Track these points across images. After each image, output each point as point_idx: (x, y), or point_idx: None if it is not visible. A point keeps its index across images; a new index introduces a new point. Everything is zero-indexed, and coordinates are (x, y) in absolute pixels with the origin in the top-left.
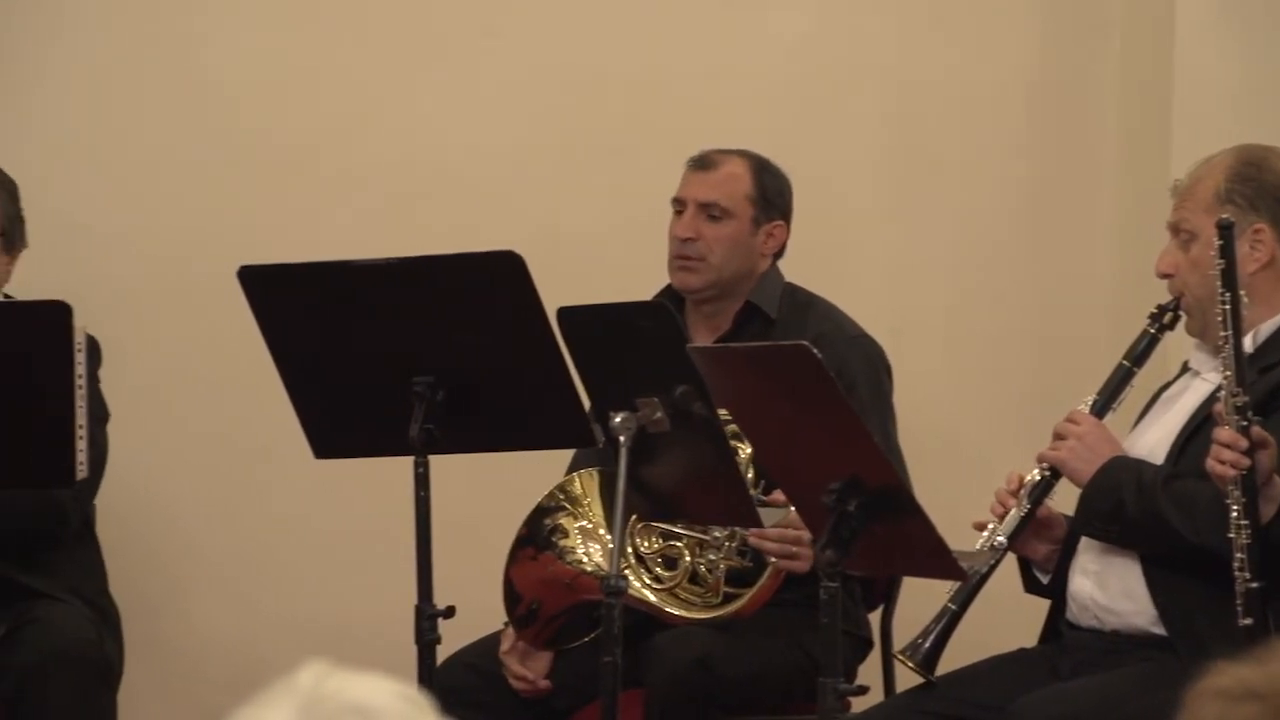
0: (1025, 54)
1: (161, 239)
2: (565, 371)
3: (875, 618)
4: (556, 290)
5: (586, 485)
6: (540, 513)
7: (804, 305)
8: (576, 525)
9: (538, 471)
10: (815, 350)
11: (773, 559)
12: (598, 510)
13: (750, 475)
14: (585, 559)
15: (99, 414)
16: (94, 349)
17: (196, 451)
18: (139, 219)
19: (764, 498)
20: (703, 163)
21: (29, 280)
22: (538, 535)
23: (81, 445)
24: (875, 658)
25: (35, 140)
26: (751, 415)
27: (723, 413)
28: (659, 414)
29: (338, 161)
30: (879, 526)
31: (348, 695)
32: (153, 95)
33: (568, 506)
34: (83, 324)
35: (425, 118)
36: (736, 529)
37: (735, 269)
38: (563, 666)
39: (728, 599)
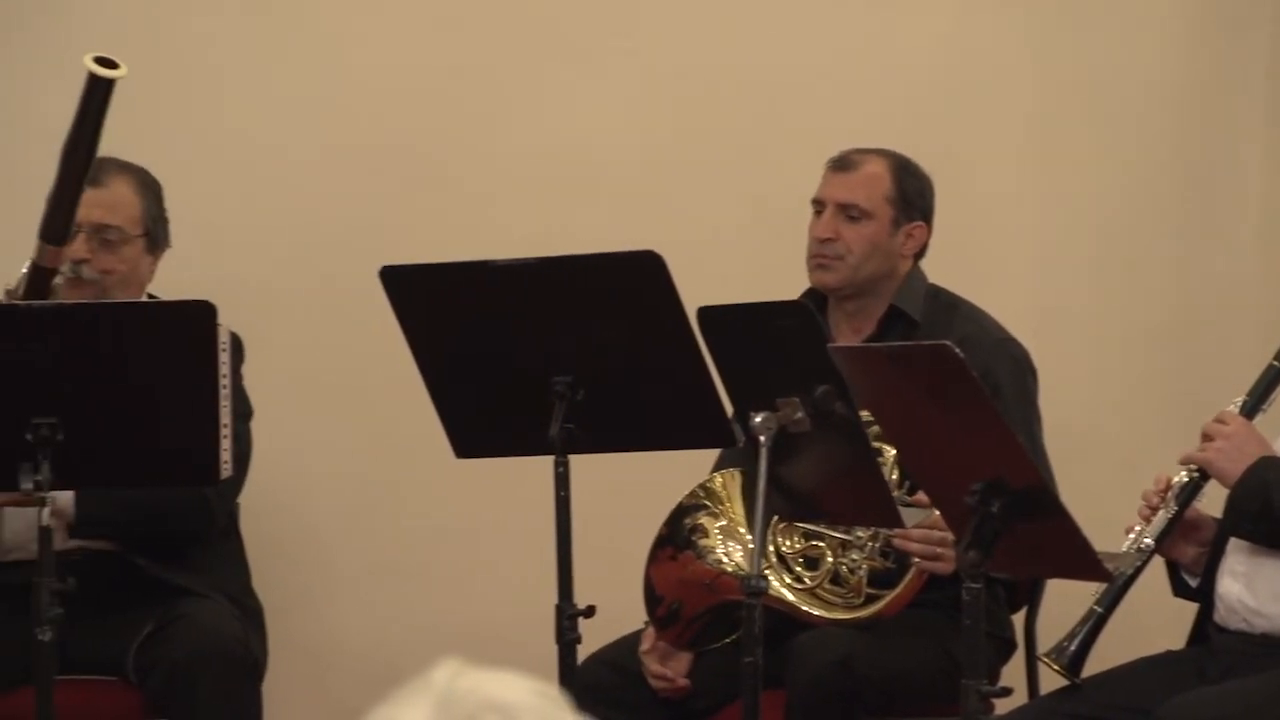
0: (1170, 50)
1: (304, 239)
2: (705, 371)
3: (1019, 619)
4: (697, 290)
5: (728, 484)
6: (681, 512)
7: (948, 307)
8: (717, 525)
9: (678, 471)
10: (957, 349)
11: (915, 559)
12: (739, 510)
13: (895, 476)
14: (725, 559)
15: (242, 411)
16: (237, 346)
17: (339, 451)
18: (282, 219)
19: (907, 498)
20: (843, 163)
21: (173, 280)
22: (678, 535)
23: (226, 444)
24: (1019, 659)
25: (181, 141)
26: (893, 415)
27: (865, 414)
28: (800, 414)
29: (478, 162)
30: (1023, 527)
31: (484, 691)
32: (295, 96)
33: (709, 505)
34: (226, 323)
35: (563, 118)
36: (879, 529)
37: (873, 269)
38: (703, 666)
39: (870, 600)
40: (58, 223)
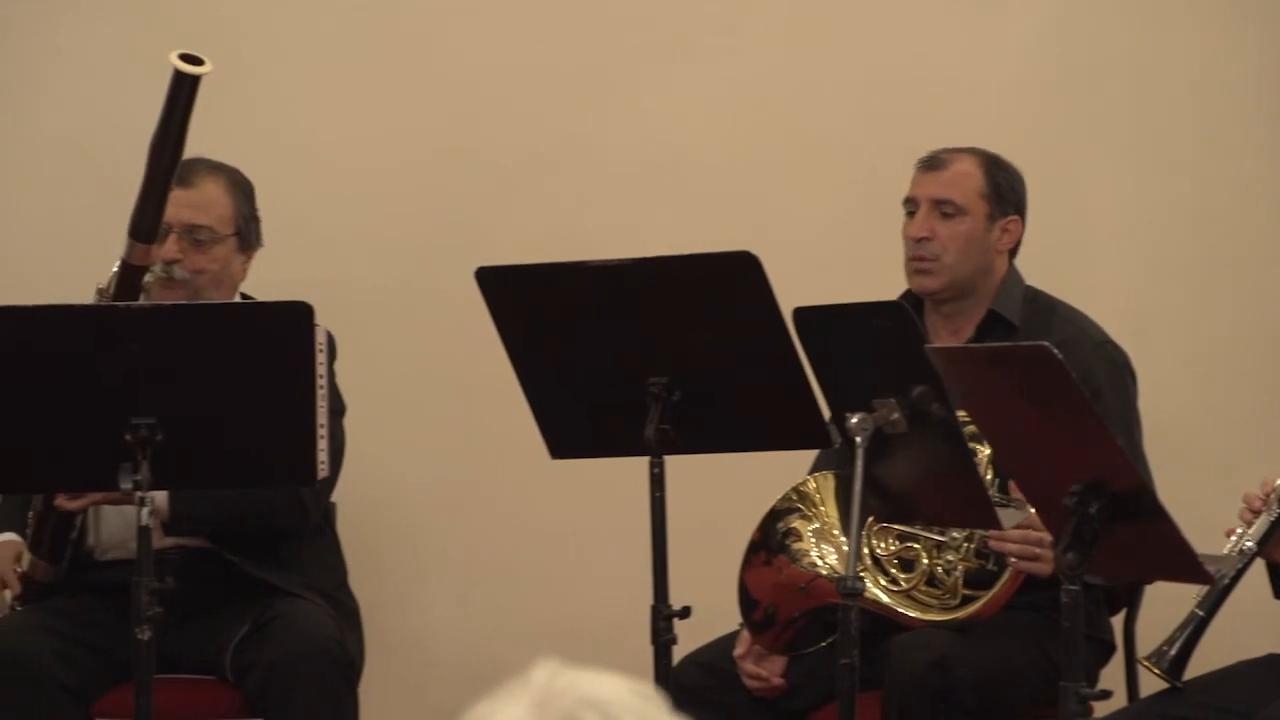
0: (1270, 52)
1: (400, 240)
2: (801, 372)
3: (1118, 621)
4: (792, 290)
5: (821, 487)
6: (774, 516)
7: (1047, 309)
8: (810, 528)
9: (773, 472)
10: (1055, 350)
11: (1012, 559)
12: (832, 512)
13: (989, 476)
14: (820, 562)
15: (335, 408)
16: (330, 344)
17: (435, 451)
18: (379, 219)
19: (1003, 497)
20: (933, 163)
21: (267, 280)
22: (771, 539)
23: (322, 445)
24: (1118, 661)
25: (278, 141)
26: (991, 416)
27: (961, 414)
28: (896, 415)
29: (575, 162)
30: (1122, 529)
31: (582, 689)
32: (392, 97)
33: (801, 508)
34: (323, 322)
35: (663, 117)
36: (975, 530)
37: (972, 267)
38: (799, 668)
39: (966, 601)
40: (146, 220)
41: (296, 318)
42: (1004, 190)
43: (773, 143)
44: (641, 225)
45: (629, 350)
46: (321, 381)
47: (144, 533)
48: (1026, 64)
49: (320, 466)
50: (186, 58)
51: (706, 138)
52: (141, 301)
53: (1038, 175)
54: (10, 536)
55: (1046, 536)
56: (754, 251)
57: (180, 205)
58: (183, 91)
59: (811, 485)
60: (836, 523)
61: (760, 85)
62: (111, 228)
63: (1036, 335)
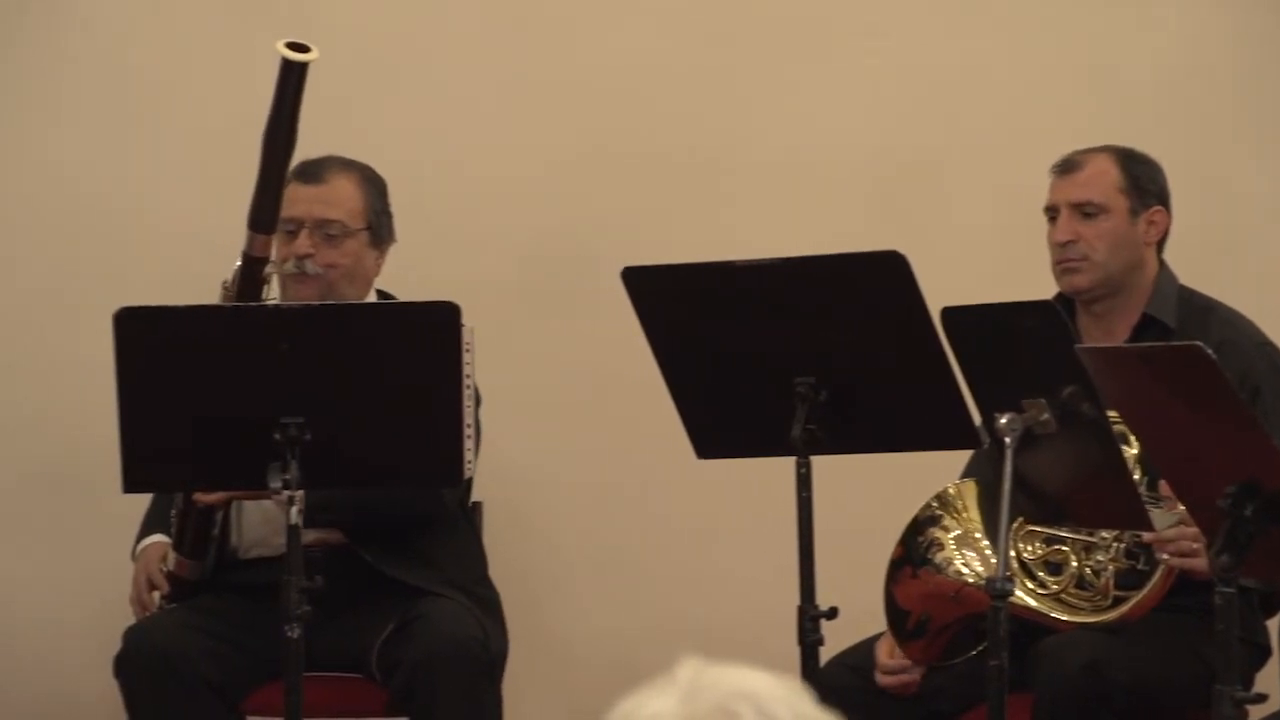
0: None
1: (545, 239)
2: (949, 372)
3: (1274, 624)
4: (940, 290)
5: (963, 493)
6: (915, 529)
7: (1203, 310)
8: (952, 535)
9: (921, 472)
10: (1209, 350)
11: (1164, 556)
12: (974, 517)
13: (1137, 475)
14: (965, 569)
15: (473, 398)
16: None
17: (579, 449)
18: (524, 219)
19: (1151, 495)
20: (1067, 165)
21: (411, 279)
22: (914, 553)
23: (469, 445)
24: (1274, 665)
25: (422, 141)
26: (1143, 416)
27: (1111, 414)
28: (1046, 415)
29: (721, 161)
30: (1278, 532)
31: (730, 681)
32: (537, 97)
33: (943, 516)
34: (471, 325)
35: (806, 117)
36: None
37: (1122, 263)
38: (947, 670)
39: (1117, 602)
40: (264, 211)
41: (445, 317)
42: (1143, 182)
43: (919, 142)
44: (788, 225)
45: (775, 350)
46: (469, 381)
47: (293, 531)
48: (1178, 62)
49: (468, 467)
50: (294, 46)
51: (854, 138)
52: (276, 298)
53: (1191, 176)
54: (158, 538)
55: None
56: (901, 251)
57: (311, 201)
58: (291, 79)
59: (953, 492)
60: (979, 527)
61: (906, 85)
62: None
63: (1193, 337)
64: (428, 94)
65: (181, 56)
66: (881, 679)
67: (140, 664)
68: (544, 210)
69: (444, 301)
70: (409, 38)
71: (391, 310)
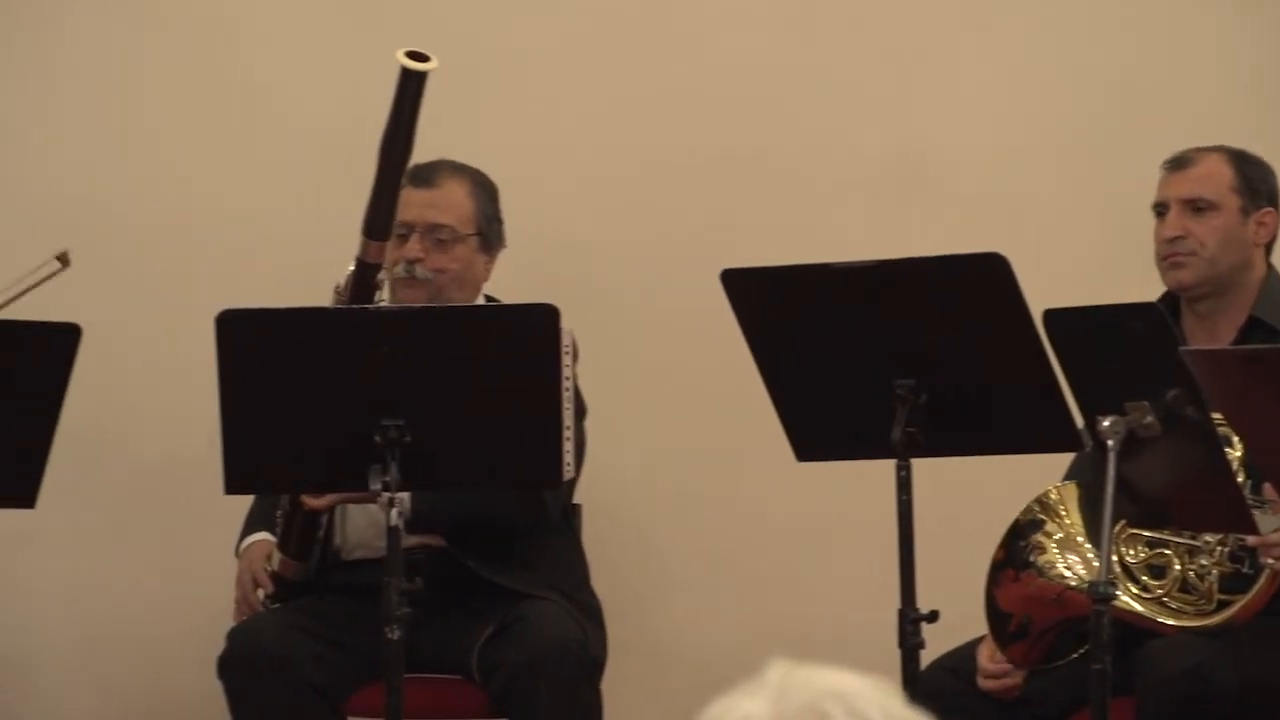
0: None
1: (644, 241)
2: (1051, 374)
3: None
4: (1042, 292)
5: (1064, 496)
6: (1016, 532)
7: None
8: (1054, 539)
9: (1023, 475)
10: None
11: (1269, 560)
12: (1076, 520)
13: (1240, 478)
14: (1067, 572)
15: (578, 409)
16: (572, 346)
17: (679, 451)
18: (623, 221)
19: (1256, 498)
20: (1179, 162)
21: (512, 281)
22: (1016, 557)
23: (568, 447)
24: None
25: (523, 143)
26: (1247, 419)
27: (1215, 416)
28: (1149, 418)
29: (821, 163)
30: None
31: (821, 681)
32: (638, 99)
33: (1044, 520)
34: (569, 327)
35: (912, 116)
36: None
37: (1230, 261)
38: (1049, 673)
39: (1221, 605)
40: (379, 218)
41: (543, 320)
42: (1255, 183)
43: (1022, 142)
44: (888, 226)
45: (875, 352)
46: (567, 383)
47: (393, 533)
48: (1268, 58)
49: (566, 468)
50: (414, 55)
51: (955, 138)
52: (386, 302)
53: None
54: (263, 536)
55: None
56: (1003, 253)
57: (422, 205)
58: (410, 88)
59: (1054, 495)
60: (1081, 530)
61: (1008, 85)
62: (351, 226)
63: None
64: (526, 98)
65: (289, 59)
66: (983, 683)
67: (244, 665)
68: (642, 214)
69: (542, 304)
70: (509, 43)
71: (491, 312)
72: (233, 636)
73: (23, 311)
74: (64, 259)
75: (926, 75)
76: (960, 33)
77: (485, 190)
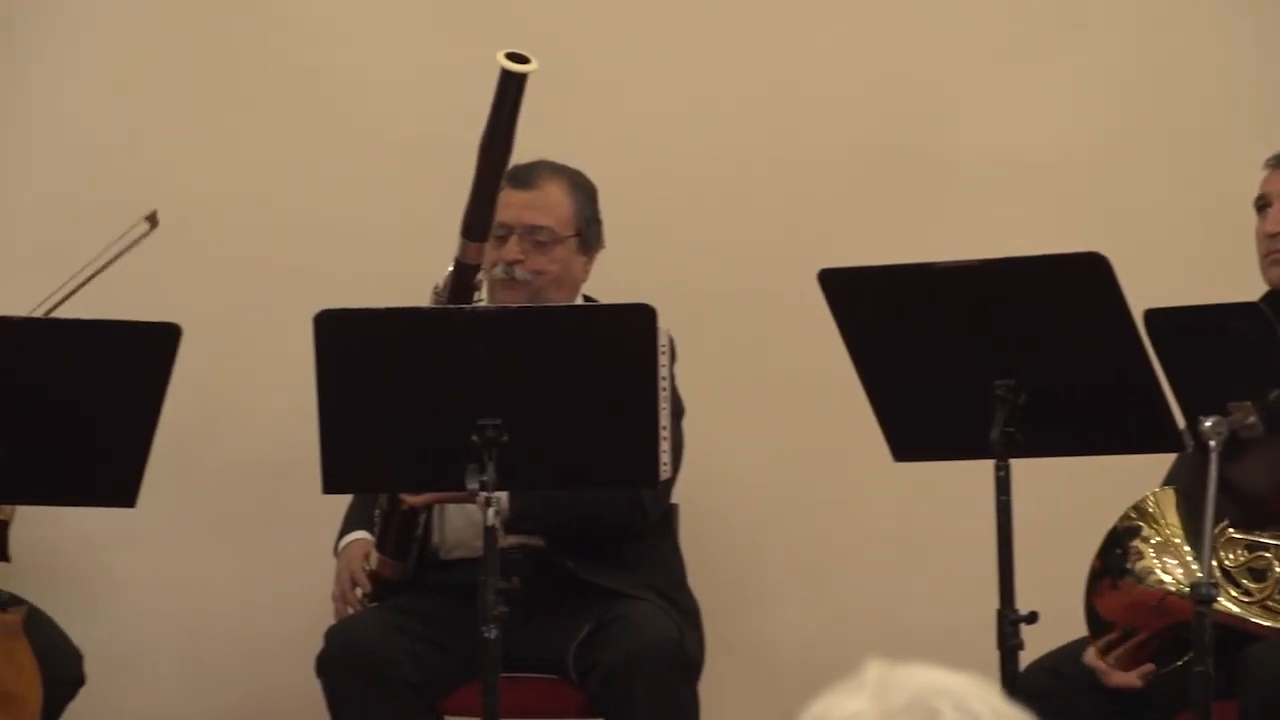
0: None
1: (742, 241)
2: (1152, 375)
3: None
4: (1143, 292)
5: (1160, 501)
6: (1113, 540)
7: None
8: (1151, 544)
9: (1123, 475)
10: None
11: None
12: (1174, 524)
13: None
14: (1166, 577)
15: (676, 409)
16: (672, 348)
17: (776, 452)
18: (721, 220)
19: None
20: None
21: (609, 281)
22: (1113, 565)
23: (665, 446)
24: None
25: (620, 143)
26: None
27: None
28: (1252, 418)
29: (918, 162)
30: None
31: (923, 678)
32: (736, 99)
33: (1141, 526)
34: (665, 325)
35: (1008, 113)
36: None
37: None
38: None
39: None
40: (478, 219)
41: (640, 320)
42: None
43: (1121, 141)
44: (987, 226)
45: (974, 352)
46: (664, 383)
47: (490, 533)
48: None
49: (663, 468)
50: (514, 56)
51: (1053, 137)
52: (484, 302)
53: None
54: (361, 534)
55: None
56: (1103, 252)
57: (521, 206)
58: (510, 90)
59: (1151, 501)
60: (1179, 534)
61: (1106, 84)
62: (455, 224)
63: None
64: (623, 97)
65: (388, 59)
66: (1108, 680)
67: (342, 664)
68: (741, 213)
69: (640, 304)
70: (606, 42)
71: (588, 312)
72: (331, 636)
73: (125, 295)
74: (153, 219)
75: (1025, 75)
76: (1059, 33)
77: (584, 191)
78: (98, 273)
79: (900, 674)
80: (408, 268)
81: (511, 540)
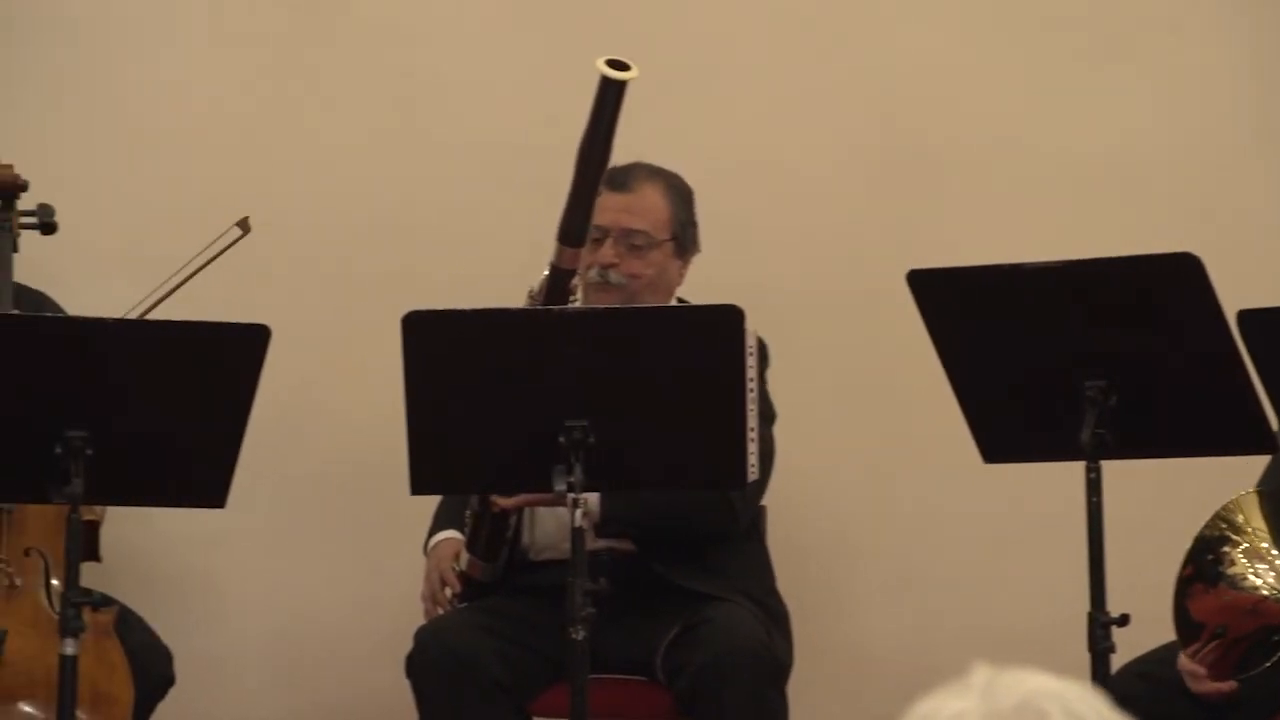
0: None
1: (832, 242)
2: (1245, 376)
3: None
4: (1236, 292)
5: (1244, 506)
6: (1203, 546)
7: None
8: (1240, 549)
9: (1215, 476)
10: None
11: None
12: (1261, 528)
13: None
14: (1258, 581)
15: (767, 414)
16: (763, 351)
17: (865, 453)
18: (809, 222)
19: None
20: None
21: (702, 283)
22: (1205, 571)
23: (752, 448)
24: None
25: (710, 144)
26: None
27: None
28: None
29: (1010, 162)
30: None
31: (1030, 683)
32: (822, 97)
33: (1230, 535)
34: (753, 327)
35: (1097, 114)
36: None
37: None
38: (1241, 681)
39: None
40: (575, 225)
41: (726, 321)
42: None
43: (1213, 140)
44: (1078, 226)
45: (1065, 353)
46: (752, 384)
47: (578, 534)
48: None
49: (750, 469)
50: (614, 64)
51: (1145, 136)
52: (575, 305)
53: None
54: (451, 534)
55: None
56: (1195, 252)
57: (618, 210)
58: (609, 97)
59: (1234, 506)
60: (1266, 537)
61: (1202, 81)
62: (544, 228)
63: None
64: (712, 99)
65: (479, 61)
66: (1197, 685)
67: (432, 664)
68: (829, 214)
69: (727, 304)
70: (696, 43)
71: (675, 313)
72: (421, 636)
73: (215, 297)
74: (244, 225)
75: (1116, 74)
76: (1150, 33)
77: (681, 195)
78: (189, 278)
79: (1009, 677)
80: (496, 269)
81: (601, 544)
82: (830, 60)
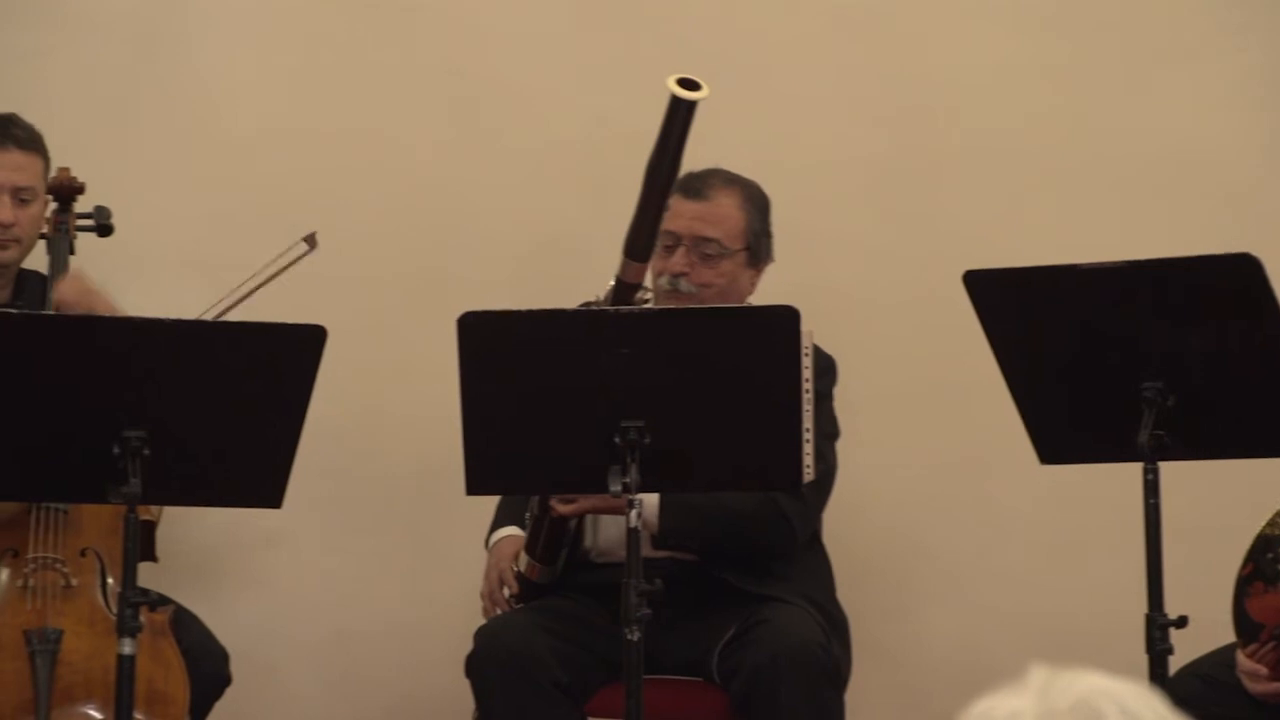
0: None
1: (890, 244)
2: None
3: None
4: None
5: None
6: (1264, 545)
7: None
8: None
9: (1274, 479)
10: None
11: None
12: None
13: None
14: None
15: (829, 431)
16: (830, 367)
17: (924, 456)
18: (867, 223)
19: None
20: None
21: (765, 287)
22: (1265, 569)
23: (808, 449)
24: None
25: (769, 149)
26: None
27: None
28: None
29: (1069, 163)
30: None
31: (1088, 682)
32: (879, 100)
33: None
34: (810, 329)
35: (1155, 115)
36: None
37: None
38: None
39: None
40: (641, 240)
41: (783, 321)
42: None
43: (1274, 140)
44: (1136, 226)
45: (1122, 354)
46: (808, 387)
47: (633, 535)
48: None
49: (806, 470)
50: (684, 82)
51: (1206, 137)
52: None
53: None
54: (511, 531)
55: None
56: (1255, 253)
57: (691, 218)
58: (679, 116)
59: None
60: None
61: (1264, 82)
62: (606, 236)
63: None
64: (771, 102)
65: (541, 66)
66: (1254, 686)
67: (492, 664)
68: (885, 215)
69: (782, 305)
70: (755, 46)
71: (730, 314)
72: (480, 636)
73: (272, 298)
74: (311, 241)
75: (1176, 74)
76: (1213, 35)
77: (757, 204)
78: (252, 292)
79: (1066, 677)
80: (554, 270)
81: (661, 553)
82: (885, 61)
